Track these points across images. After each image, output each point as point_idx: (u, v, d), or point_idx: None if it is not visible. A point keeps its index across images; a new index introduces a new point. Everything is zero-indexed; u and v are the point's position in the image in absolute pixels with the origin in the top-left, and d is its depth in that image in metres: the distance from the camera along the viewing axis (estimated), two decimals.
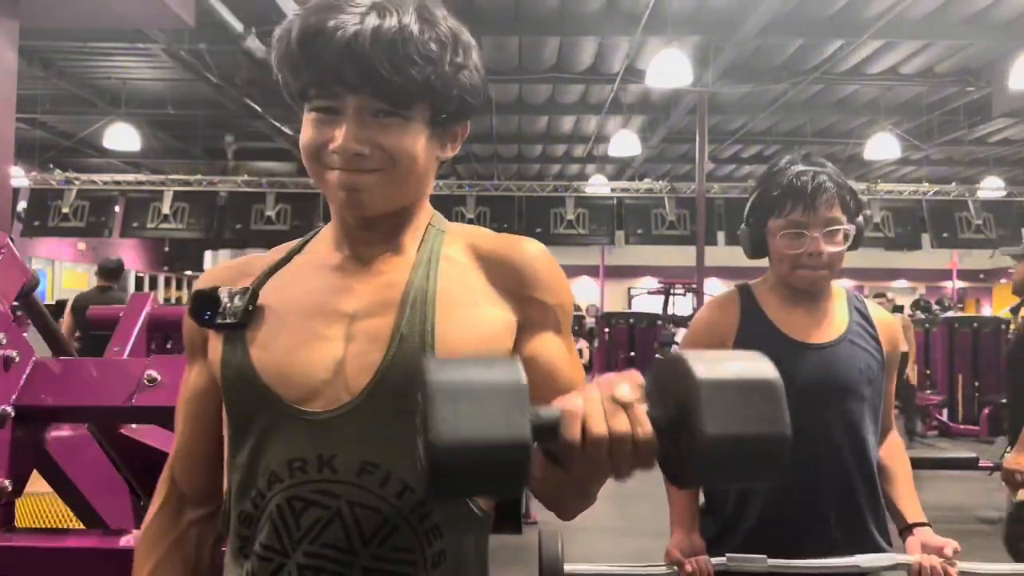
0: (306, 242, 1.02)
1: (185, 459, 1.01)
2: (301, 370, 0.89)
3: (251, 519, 0.90)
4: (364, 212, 0.92)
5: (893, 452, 1.73)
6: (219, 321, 0.93)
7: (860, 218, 1.62)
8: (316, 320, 0.92)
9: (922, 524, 1.59)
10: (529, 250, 0.97)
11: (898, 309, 14.25)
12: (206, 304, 0.94)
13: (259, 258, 1.02)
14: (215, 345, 0.95)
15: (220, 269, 1.03)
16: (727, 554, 1.54)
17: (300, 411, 0.88)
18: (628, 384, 0.71)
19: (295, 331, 0.91)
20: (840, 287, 1.71)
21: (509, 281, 0.94)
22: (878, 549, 1.60)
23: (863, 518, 1.60)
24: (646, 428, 0.70)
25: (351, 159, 0.88)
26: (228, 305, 0.93)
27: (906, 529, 1.60)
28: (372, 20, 0.85)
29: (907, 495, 1.66)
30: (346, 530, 0.86)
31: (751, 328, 1.63)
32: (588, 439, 0.69)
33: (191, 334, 1.01)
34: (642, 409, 0.71)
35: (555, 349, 0.95)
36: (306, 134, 0.91)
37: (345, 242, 0.97)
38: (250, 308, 0.92)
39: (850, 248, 1.61)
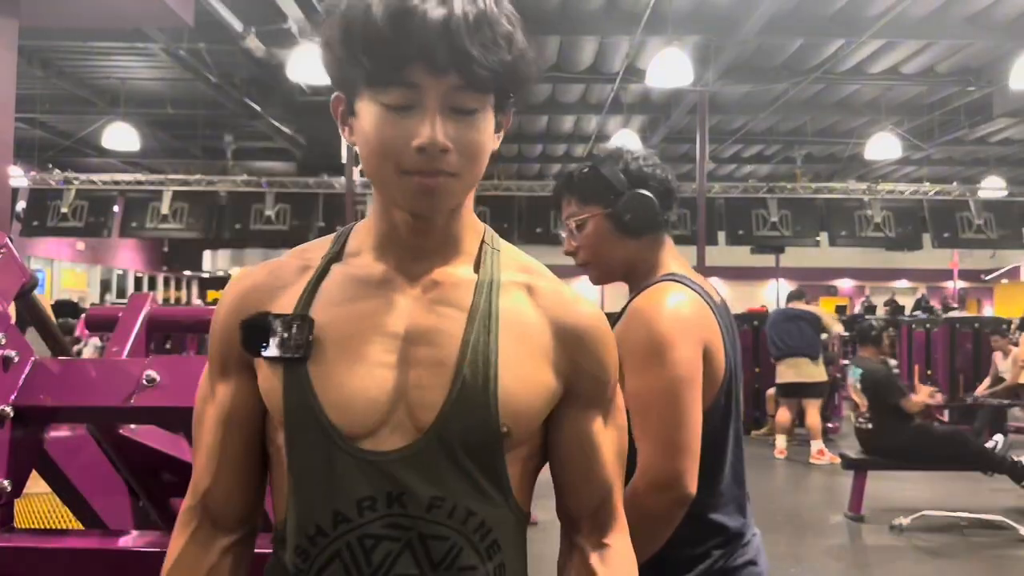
0: (341, 247, 0.96)
1: (225, 483, 0.95)
2: (365, 404, 0.87)
3: (307, 554, 0.89)
4: (432, 214, 0.89)
5: None
6: (279, 355, 0.88)
7: (622, 196, 1.50)
8: (373, 346, 0.89)
9: None
10: (590, 316, 0.95)
11: (899, 310, 14.27)
12: (258, 333, 0.90)
13: (288, 263, 0.96)
14: (267, 373, 0.90)
15: (253, 276, 0.96)
16: None
17: (366, 451, 0.87)
18: None
19: (354, 360, 0.88)
20: None
21: (567, 344, 0.93)
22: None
23: None
24: None
25: (435, 157, 0.83)
26: (284, 335, 0.88)
27: None
28: (457, 1, 0.82)
29: None
30: (416, 560, 0.87)
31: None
32: None
33: (227, 348, 0.94)
34: None
35: (600, 435, 0.97)
36: (379, 130, 0.84)
37: (391, 251, 0.93)
38: (310, 339, 0.88)
39: (632, 230, 1.50)
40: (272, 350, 0.89)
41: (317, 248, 0.97)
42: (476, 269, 0.94)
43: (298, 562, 0.90)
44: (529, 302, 0.93)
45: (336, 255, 0.95)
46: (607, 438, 0.98)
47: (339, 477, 0.87)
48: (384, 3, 0.81)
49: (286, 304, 0.92)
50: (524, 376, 0.89)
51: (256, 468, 0.96)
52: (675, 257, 1.57)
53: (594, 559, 0.97)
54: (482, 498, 0.89)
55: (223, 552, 0.96)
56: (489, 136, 0.88)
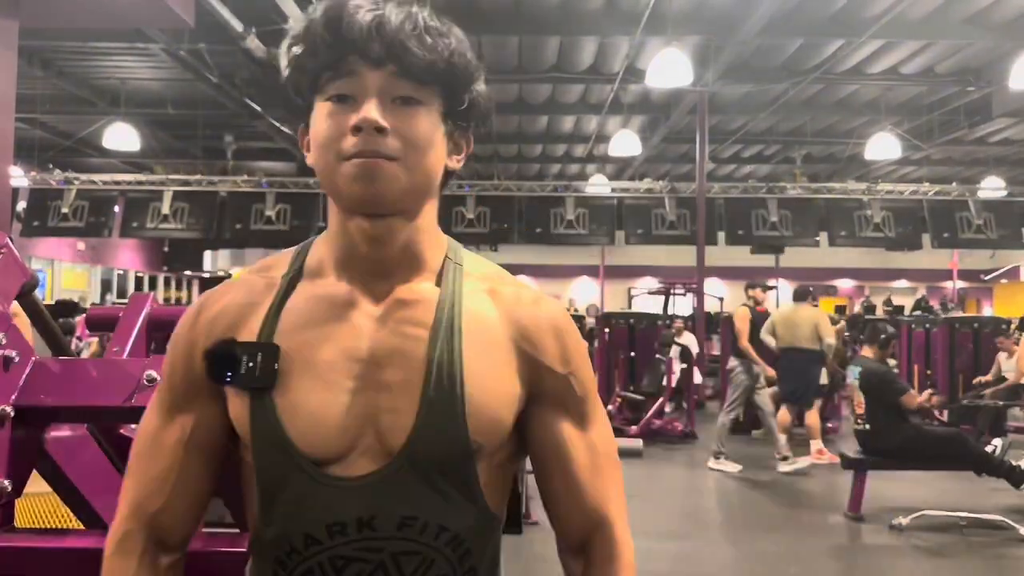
0: (301, 264, 0.96)
1: (177, 507, 0.95)
2: (333, 431, 0.88)
3: (285, 565, 0.90)
4: (378, 204, 0.88)
5: None
6: (244, 384, 0.89)
7: None
8: (339, 371, 0.89)
9: None
10: (548, 313, 0.96)
11: (897, 311, 14.28)
12: (224, 362, 0.90)
13: (251, 281, 0.96)
14: (235, 401, 0.91)
15: (224, 294, 0.96)
16: None
17: (336, 478, 0.88)
18: None
19: (321, 386, 0.89)
20: None
21: (526, 343, 0.93)
22: None
23: None
24: None
25: (371, 138, 0.85)
26: (249, 364, 0.89)
27: None
28: (392, 7, 0.88)
29: None
30: (387, 575, 0.89)
31: None
32: None
33: (190, 380, 0.94)
34: None
35: (573, 438, 0.96)
36: (321, 124, 0.89)
37: (352, 268, 0.92)
38: (275, 368, 0.88)
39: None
40: (237, 380, 0.89)
41: (279, 265, 0.97)
42: (439, 283, 0.94)
43: (279, 570, 0.91)
44: (491, 305, 0.94)
45: (297, 272, 0.95)
46: (582, 443, 0.96)
47: (308, 503, 0.88)
48: (323, 13, 0.89)
49: (252, 327, 0.92)
50: (491, 388, 0.90)
51: (206, 493, 0.97)
52: None
53: None
54: (454, 512, 0.90)
55: (167, 570, 0.96)
56: (435, 133, 0.91)
